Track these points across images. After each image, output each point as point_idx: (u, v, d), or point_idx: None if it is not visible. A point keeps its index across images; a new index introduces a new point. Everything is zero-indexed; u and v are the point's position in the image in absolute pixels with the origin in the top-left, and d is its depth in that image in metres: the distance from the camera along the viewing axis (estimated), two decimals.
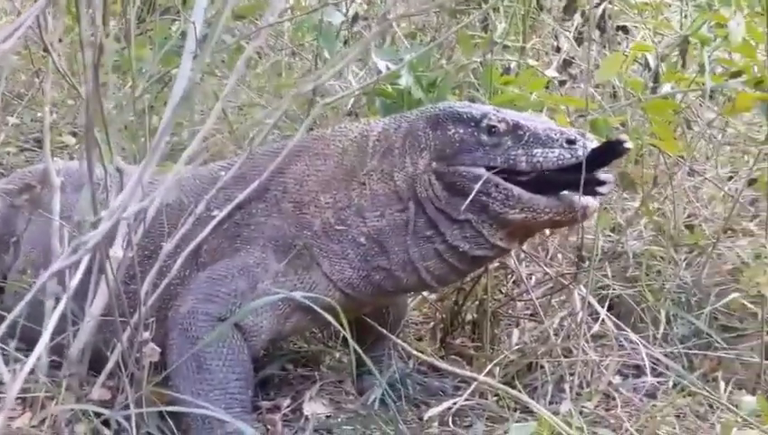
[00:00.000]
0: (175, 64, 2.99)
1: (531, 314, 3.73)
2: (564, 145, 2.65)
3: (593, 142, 2.69)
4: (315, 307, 2.58)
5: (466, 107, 2.85)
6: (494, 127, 2.72)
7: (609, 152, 2.66)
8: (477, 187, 2.66)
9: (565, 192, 2.66)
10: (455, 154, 2.75)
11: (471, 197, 2.68)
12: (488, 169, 2.72)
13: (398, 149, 2.84)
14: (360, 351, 2.58)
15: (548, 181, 2.68)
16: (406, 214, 2.80)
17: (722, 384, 3.17)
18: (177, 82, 2.63)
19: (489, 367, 3.14)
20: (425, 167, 2.78)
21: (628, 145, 2.63)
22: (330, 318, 2.52)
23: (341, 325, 2.47)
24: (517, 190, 2.67)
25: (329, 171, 2.89)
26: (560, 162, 2.64)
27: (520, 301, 3.73)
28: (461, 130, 2.76)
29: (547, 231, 3.59)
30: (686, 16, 4.37)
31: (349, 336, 2.47)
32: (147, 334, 2.59)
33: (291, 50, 5.34)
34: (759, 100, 3.25)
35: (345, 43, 4.38)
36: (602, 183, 2.66)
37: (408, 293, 3.27)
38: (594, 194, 2.67)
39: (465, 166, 2.73)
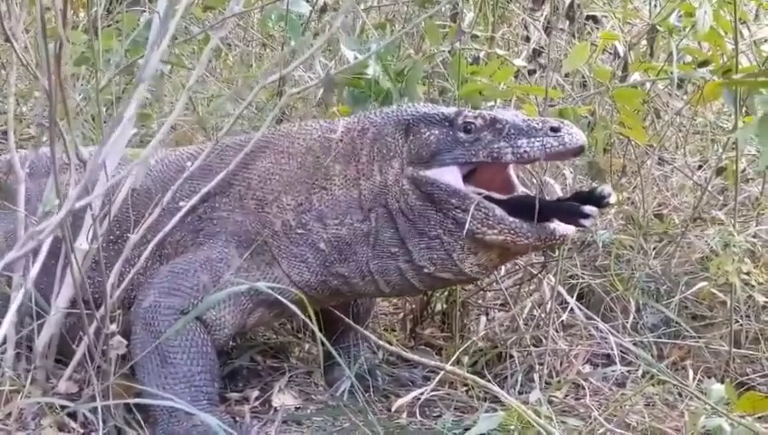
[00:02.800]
0: (140, 54, 2.95)
1: (501, 304, 3.72)
2: (549, 133, 2.63)
3: (576, 129, 2.67)
4: (282, 299, 2.57)
5: (434, 108, 2.83)
6: (470, 123, 2.70)
7: (590, 199, 2.67)
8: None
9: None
10: (433, 155, 2.72)
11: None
12: (470, 164, 2.71)
13: (365, 156, 2.81)
14: (327, 343, 2.58)
15: (521, 208, 2.67)
16: (367, 224, 2.78)
17: (690, 373, 3.18)
18: (141, 73, 2.60)
19: (455, 356, 3.13)
20: (396, 176, 2.76)
21: (612, 200, 2.65)
22: (296, 310, 2.50)
23: (309, 319, 2.45)
24: (499, 211, 2.65)
25: (292, 171, 2.87)
26: (547, 150, 2.62)
27: (489, 291, 3.72)
28: (436, 132, 2.74)
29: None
30: (655, 5, 4.36)
31: (317, 330, 2.46)
32: (113, 327, 2.58)
33: (261, 41, 5.31)
34: (726, 88, 3.24)
35: (316, 35, 4.36)
36: (586, 216, 2.65)
37: (365, 298, 3.26)
38: (577, 225, 2.67)
39: (440, 166, 2.71)
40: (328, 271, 2.82)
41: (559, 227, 2.65)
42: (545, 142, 2.62)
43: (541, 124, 2.65)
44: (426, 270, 2.75)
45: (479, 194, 2.67)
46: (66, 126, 2.41)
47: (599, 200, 2.66)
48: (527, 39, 4.71)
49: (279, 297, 2.56)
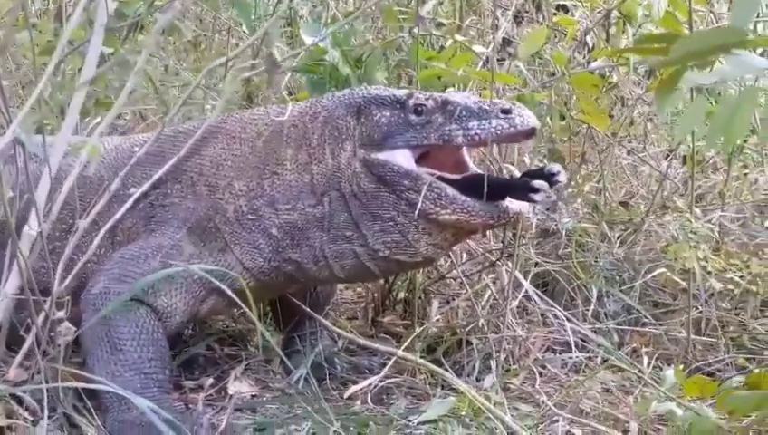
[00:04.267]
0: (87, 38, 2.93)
1: (464, 292, 3.71)
2: (500, 115, 2.60)
3: (528, 111, 2.65)
4: (223, 287, 2.58)
5: (385, 90, 2.81)
6: (421, 105, 2.68)
7: (540, 177, 2.65)
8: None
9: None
10: (384, 137, 2.70)
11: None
12: (422, 146, 2.70)
13: (316, 140, 2.79)
14: (266, 335, 2.56)
15: (474, 187, 2.64)
16: (320, 209, 2.76)
17: (645, 359, 3.19)
18: (88, 56, 2.58)
19: (408, 341, 3.12)
20: (348, 159, 2.74)
21: (561, 178, 2.63)
22: (234, 297, 2.50)
23: (254, 307, 2.45)
24: (451, 191, 2.63)
25: (244, 157, 2.85)
26: (498, 132, 2.60)
27: (450, 278, 3.71)
28: (387, 114, 2.71)
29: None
30: None
31: (256, 320, 2.45)
32: (61, 313, 2.56)
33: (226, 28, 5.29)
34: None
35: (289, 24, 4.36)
36: (536, 190, 2.61)
37: (321, 285, 3.24)
38: (528, 200, 2.64)
39: (392, 149, 2.69)
40: (281, 257, 2.81)
41: (512, 204, 2.63)
42: (496, 124, 2.60)
43: (491, 106, 2.62)
44: (381, 253, 2.73)
45: (432, 175, 2.65)
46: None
47: (548, 178, 2.63)
48: (496, 28, 4.71)
49: (220, 285, 2.57)
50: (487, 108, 2.63)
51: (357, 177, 2.71)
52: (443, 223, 2.66)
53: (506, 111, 2.61)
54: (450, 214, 2.63)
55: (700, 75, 1.66)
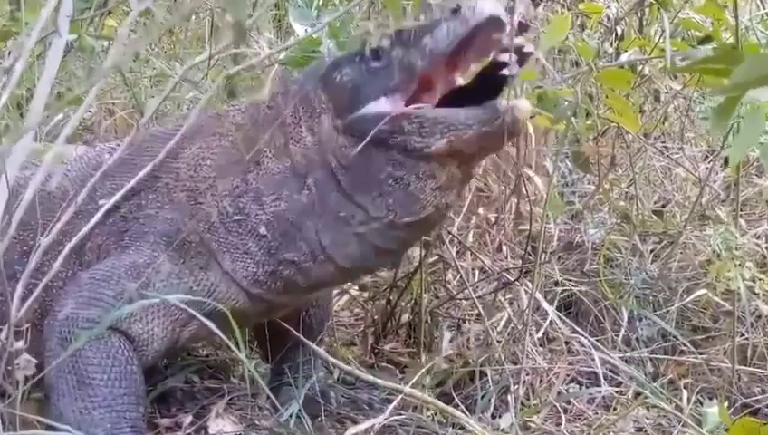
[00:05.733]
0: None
1: (477, 316, 3.70)
2: (449, 18, 2.51)
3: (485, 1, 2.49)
4: (195, 313, 2.54)
5: (346, 52, 2.79)
6: (378, 49, 2.60)
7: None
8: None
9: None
10: (351, 98, 2.65)
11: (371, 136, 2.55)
12: (396, 91, 2.60)
13: (290, 118, 2.76)
14: (247, 363, 2.55)
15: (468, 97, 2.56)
16: (306, 194, 2.72)
17: (684, 393, 3.17)
18: (51, 49, 2.56)
19: (416, 377, 3.11)
20: (329, 132, 2.70)
21: (528, 48, 2.55)
22: (209, 324, 2.45)
23: (241, 333, 2.43)
24: (431, 111, 2.56)
25: (225, 153, 2.83)
26: (454, 36, 2.49)
27: (463, 299, 3.71)
28: (347, 70, 2.68)
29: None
30: None
31: (235, 349, 2.43)
32: (20, 344, 2.54)
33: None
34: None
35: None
36: (503, 65, 2.49)
37: (325, 288, 3.15)
38: (503, 80, 2.51)
39: (365, 105, 2.62)
40: (275, 259, 2.76)
41: (500, 100, 2.53)
42: (447, 30, 2.51)
43: (440, 12, 2.55)
44: (385, 220, 2.66)
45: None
46: None
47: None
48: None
49: (193, 313, 2.54)
50: (437, 15, 2.55)
51: (341, 147, 2.66)
52: (438, 154, 2.58)
53: (455, 11, 2.51)
54: (440, 138, 2.54)
55: (762, 92, 1.65)
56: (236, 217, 2.76)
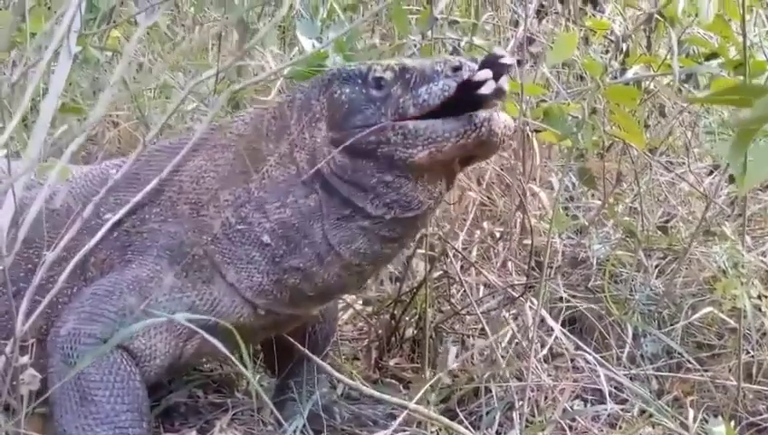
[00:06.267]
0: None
1: (481, 331, 3.70)
2: (449, 74, 2.56)
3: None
4: (199, 331, 2.53)
5: (356, 64, 2.78)
6: (381, 78, 2.66)
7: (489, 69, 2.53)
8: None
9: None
10: (345, 117, 2.68)
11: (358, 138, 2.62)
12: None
13: (294, 125, 2.78)
14: (251, 378, 2.55)
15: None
16: (314, 197, 2.73)
17: (691, 411, 3.17)
18: (58, 63, 2.57)
19: (421, 392, 3.10)
20: (323, 139, 2.72)
21: (507, 60, 2.55)
22: (214, 340, 2.44)
23: (245, 347, 2.43)
24: (412, 124, 2.58)
25: (228, 163, 2.84)
26: (445, 93, 2.55)
27: (467, 314, 3.71)
28: (347, 90, 2.69)
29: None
30: None
31: (242, 367, 2.43)
32: (25, 359, 2.55)
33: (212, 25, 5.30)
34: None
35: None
36: (480, 84, 2.50)
37: (332, 296, 3.11)
38: (479, 98, 2.54)
39: (356, 125, 2.65)
40: (280, 267, 2.77)
41: (480, 112, 2.56)
42: (443, 85, 2.56)
43: (442, 66, 2.59)
44: (387, 216, 2.69)
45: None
46: None
47: (497, 67, 2.55)
48: (516, 24, 4.71)
49: (195, 328, 2.54)
50: (439, 68, 2.58)
51: (333, 158, 2.68)
52: (421, 163, 2.61)
53: (456, 69, 2.56)
54: (421, 149, 2.57)
55: None
56: (239, 227, 2.77)
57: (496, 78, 2.52)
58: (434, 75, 2.58)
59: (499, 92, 2.56)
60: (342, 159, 2.67)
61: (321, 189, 2.73)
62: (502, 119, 2.57)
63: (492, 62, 2.54)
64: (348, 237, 2.73)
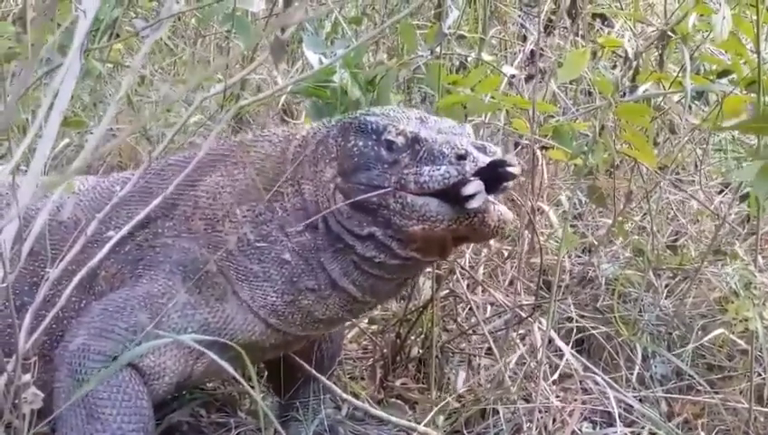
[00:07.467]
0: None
1: (487, 350, 3.70)
2: (452, 161, 2.59)
3: (491, 155, 2.61)
4: (204, 350, 2.53)
5: (377, 115, 2.80)
6: (392, 142, 2.69)
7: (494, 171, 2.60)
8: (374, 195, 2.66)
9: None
10: (353, 170, 2.72)
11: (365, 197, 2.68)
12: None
13: (307, 158, 2.81)
14: (256, 396, 2.54)
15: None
16: (322, 225, 2.77)
17: None
18: (64, 80, 2.58)
19: (430, 416, 3.11)
20: (331, 177, 2.76)
21: (513, 170, 2.60)
22: (220, 360, 2.43)
23: (252, 367, 2.43)
24: (411, 197, 2.62)
25: (248, 180, 2.85)
26: (445, 181, 2.58)
27: (474, 334, 3.71)
28: (361, 143, 2.73)
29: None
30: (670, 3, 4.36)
31: (249, 387, 2.43)
32: (27, 377, 2.54)
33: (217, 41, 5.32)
34: (750, 103, 3.21)
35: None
36: (471, 197, 2.56)
37: (340, 321, 3.12)
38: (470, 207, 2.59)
39: (362, 179, 2.70)
40: (295, 287, 2.79)
41: (473, 202, 2.57)
42: (444, 171, 2.60)
43: (450, 150, 2.61)
44: (377, 259, 2.73)
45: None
46: None
47: (498, 171, 2.60)
48: (524, 39, 4.72)
49: (203, 350, 2.53)
50: (445, 151, 2.61)
51: (334, 197, 2.73)
52: (413, 235, 2.66)
53: (461, 157, 2.58)
54: (416, 224, 2.63)
55: None
56: (258, 244, 2.78)
57: (500, 181, 2.61)
58: (438, 157, 2.62)
59: (503, 189, 2.66)
60: (344, 207, 2.71)
61: (320, 222, 2.76)
62: (497, 212, 2.61)
63: (498, 165, 2.59)
64: (345, 271, 2.78)
